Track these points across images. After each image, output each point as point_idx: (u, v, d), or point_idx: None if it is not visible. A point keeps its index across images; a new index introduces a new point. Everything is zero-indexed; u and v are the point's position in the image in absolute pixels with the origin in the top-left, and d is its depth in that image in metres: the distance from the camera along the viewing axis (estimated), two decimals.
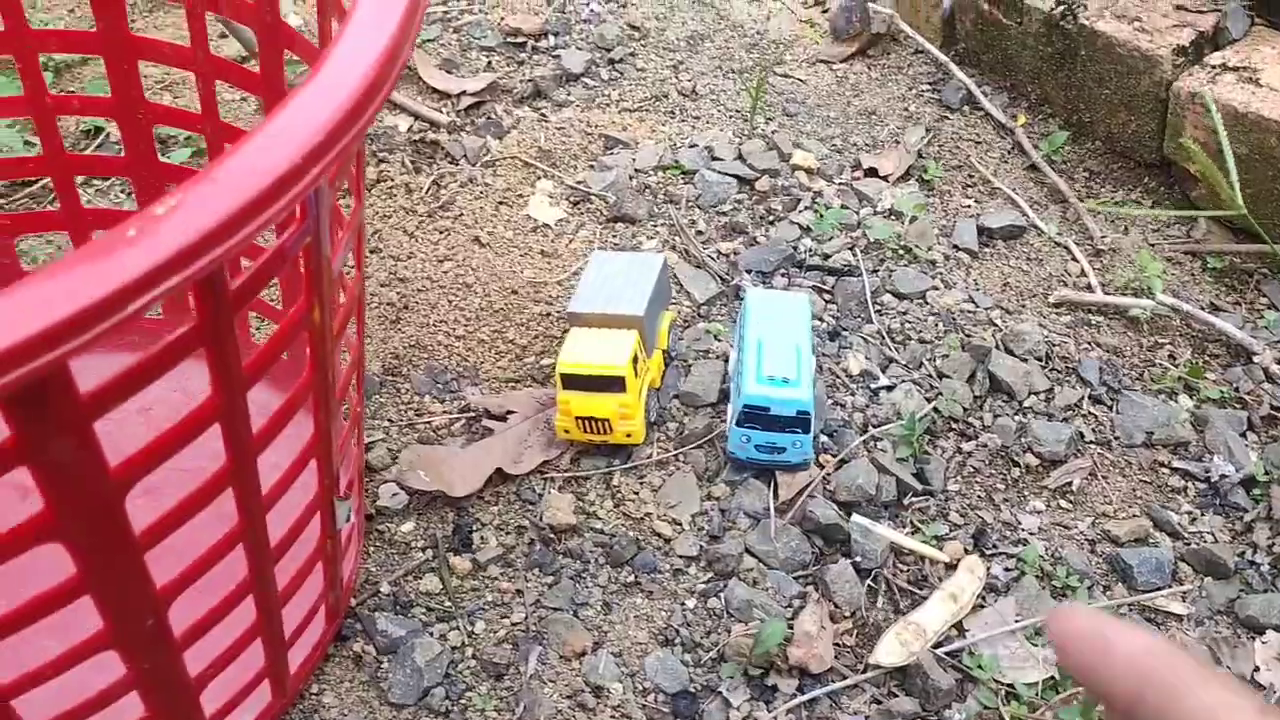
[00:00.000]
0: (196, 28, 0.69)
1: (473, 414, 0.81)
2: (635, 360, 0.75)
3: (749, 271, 0.91)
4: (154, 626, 0.47)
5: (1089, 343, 0.86)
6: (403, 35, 0.41)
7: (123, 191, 0.98)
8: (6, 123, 1.00)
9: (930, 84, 1.14)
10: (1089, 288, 0.90)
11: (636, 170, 1.02)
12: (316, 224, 0.45)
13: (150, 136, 0.76)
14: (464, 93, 1.13)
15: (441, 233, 0.95)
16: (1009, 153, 1.05)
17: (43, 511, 0.38)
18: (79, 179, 0.80)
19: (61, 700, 0.47)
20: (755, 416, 0.72)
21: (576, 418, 0.75)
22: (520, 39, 1.20)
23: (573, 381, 0.74)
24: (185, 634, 0.49)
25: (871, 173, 1.02)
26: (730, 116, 1.10)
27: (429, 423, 0.80)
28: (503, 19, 1.22)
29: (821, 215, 0.96)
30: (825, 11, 1.26)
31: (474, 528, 0.73)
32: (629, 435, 0.76)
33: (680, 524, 0.73)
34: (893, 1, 1.19)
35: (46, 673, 0.44)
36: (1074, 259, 0.94)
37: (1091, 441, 0.79)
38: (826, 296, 0.89)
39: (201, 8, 0.68)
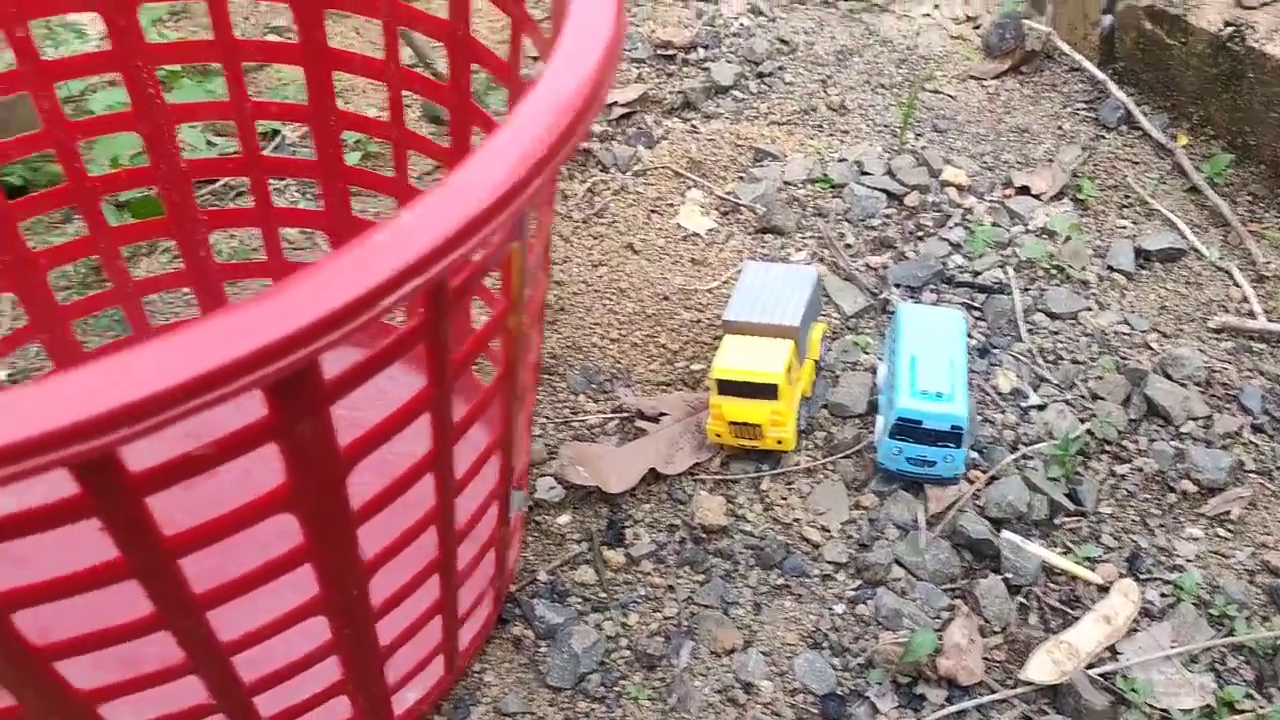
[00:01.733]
0: (390, 41, 0.74)
1: (625, 414, 0.83)
2: (789, 369, 0.77)
3: (898, 286, 0.92)
4: (358, 596, 0.51)
5: (1251, 370, 0.85)
6: (611, 57, 0.44)
7: (297, 191, 1.04)
8: (190, 124, 1.07)
9: (1086, 102, 1.13)
10: (1251, 314, 0.89)
11: (785, 182, 1.04)
12: (522, 232, 0.48)
13: (338, 142, 0.80)
14: (615, 103, 1.16)
15: (595, 238, 0.99)
16: (1168, 174, 1.04)
17: (284, 484, 0.42)
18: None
19: (272, 661, 0.51)
20: (908, 429, 0.73)
21: (729, 422, 0.77)
22: (670, 51, 1.23)
23: (728, 387, 0.76)
24: (381, 605, 0.53)
25: (1024, 191, 1.01)
26: (879, 131, 1.11)
27: (584, 420, 0.83)
28: (653, 32, 1.25)
29: (972, 232, 0.96)
30: (977, 28, 1.25)
31: (627, 523, 0.76)
32: (780, 442, 0.78)
33: (829, 531, 0.75)
34: (1050, 18, 1.18)
35: (265, 632, 0.49)
36: (1235, 284, 0.92)
37: (1252, 471, 0.78)
38: (976, 313, 0.90)
39: (396, 23, 0.73)
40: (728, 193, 1.03)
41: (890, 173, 1.04)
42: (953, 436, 0.73)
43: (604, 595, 0.72)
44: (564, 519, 0.77)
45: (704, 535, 0.75)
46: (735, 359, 0.77)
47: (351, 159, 1.07)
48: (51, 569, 0.40)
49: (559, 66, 0.43)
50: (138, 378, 0.32)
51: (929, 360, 0.75)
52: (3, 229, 0.78)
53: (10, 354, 0.84)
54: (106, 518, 0.38)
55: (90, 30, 1.20)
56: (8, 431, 0.30)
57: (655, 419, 0.82)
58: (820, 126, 1.12)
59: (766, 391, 0.76)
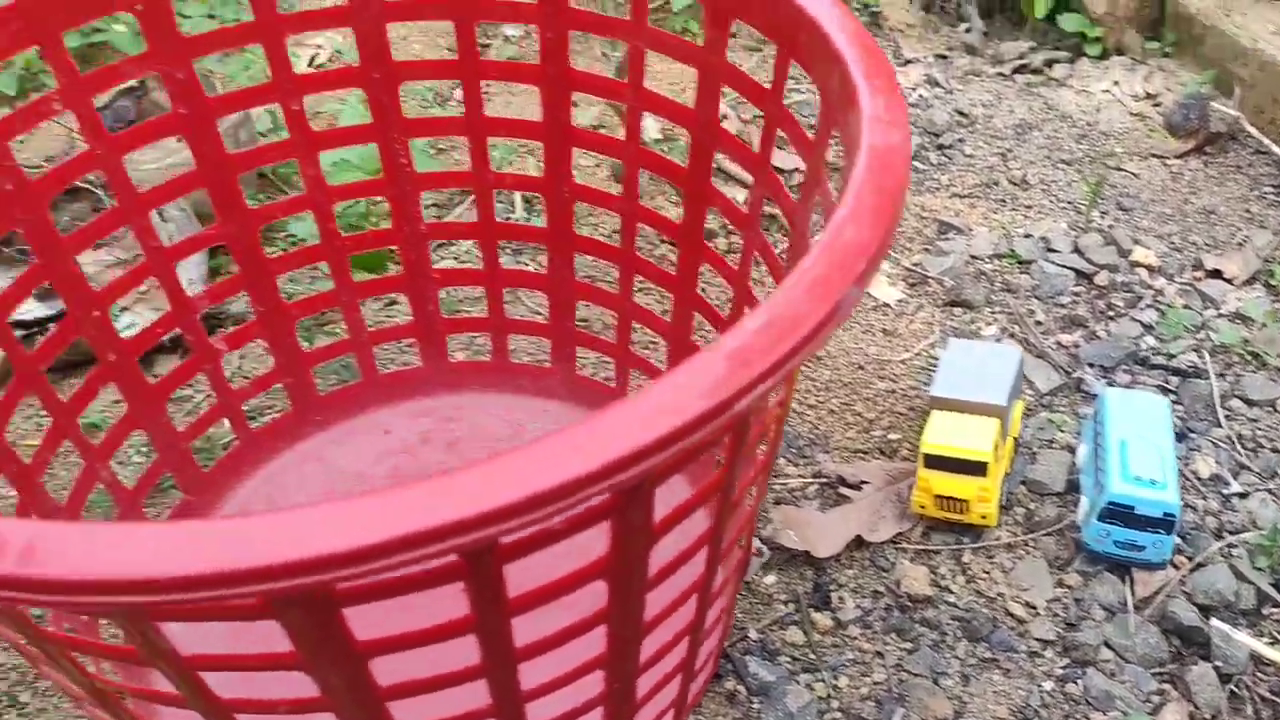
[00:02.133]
0: (632, 123, 0.79)
1: (826, 479, 0.87)
2: (996, 447, 0.79)
3: (1091, 366, 0.94)
4: (634, 655, 0.55)
5: None
6: (899, 208, 0.48)
7: (515, 251, 1.10)
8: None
9: (1274, 187, 1.13)
10: None
11: (972, 256, 1.06)
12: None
13: (570, 211, 0.86)
14: (797, 169, 1.21)
15: None
16: None
17: (604, 556, 0.46)
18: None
19: (549, 710, 0.56)
20: (1119, 514, 0.75)
21: (935, 495, 0.80)
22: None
23: (936, 461, 0.79)
24: (645, 662, 0.57)
25: (1215, 274, 1.02)
26: (1063, 207, 1.13)
27: (785, 484, 0.87)
28: None
29: (1164, 314, 0.98)
30: (1157, 105, 1.27)
31: (832, 587, 0.79)
32: (984, 517, 0.80)
33: (1034, 607, 0.77)
34: (1237, 101, 1.19)
35: (558, 683, 0.53)
36: None
37: None
38: (1172, 396, 0.91)
39: (640, 107, 0.78)
40: (914, 264, 1.06)
41: (1078, 250, 1.06)
42: (1164, 523, 0.74)
43: (813, 656, 0.76)
44: (770, 579, 0.81)
45: (910, 604, 0.78)
46: (944, 435, 0.80)
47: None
48: (370, 625, 0.45)
49: (850, 220, 0.46)
50: (528, 477, 0.37)
51: (1139, 446, 0.77)
52: (263, 282, 0.85)
53: (256, 395, 0.91)
54: (474, 582, 0.43)
55: (351, 98, 1.29)
56: (433, 516, 0.36)
57: (857, 486, 0.85)
58: (1003, 200, 1.15)
59: (975, 468, 0.78)
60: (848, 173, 0.50)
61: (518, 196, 1.16)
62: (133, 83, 1.27)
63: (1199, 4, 1.26)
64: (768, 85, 0.67)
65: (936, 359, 0.97)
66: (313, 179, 0.84)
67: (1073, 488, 0.84)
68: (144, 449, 0.91)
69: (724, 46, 0.70)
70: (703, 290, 0.83)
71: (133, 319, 0.99)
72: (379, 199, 0.92)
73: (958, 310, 1.01)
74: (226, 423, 0.89)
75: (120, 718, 0.54)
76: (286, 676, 0.45)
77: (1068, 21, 1.37)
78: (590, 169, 1.18)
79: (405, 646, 0.45)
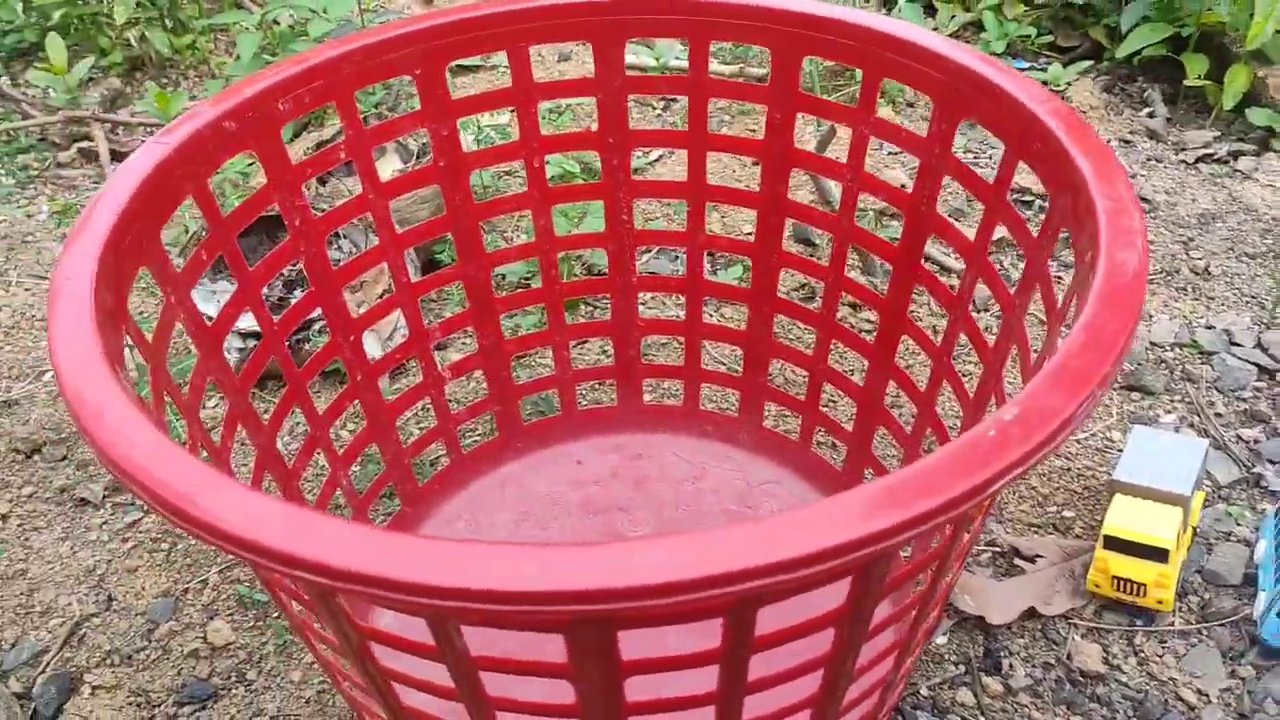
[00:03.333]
0: (848, 201, 0.85)
1: (999, 549, 0.90)
2: (1178, 535, 0.82)
3: (1272, 463, 0.95)
4: (841, 695, 0.60)
5: None
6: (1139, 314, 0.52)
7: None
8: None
9: None
10: None
11: (1152, 343, 1.09)
12: None
13: (776, 276, 0.92)
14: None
15: None
16: None
17: (841, 607, 0.52)
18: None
19: None
20: None
21: (1113, 576, 0.83)
22: (1028, 198, 1.31)
23: (1117, 544, 0.82)
24: (845, 705, 0.63)
25: None
26: (1246, 301, 1.14)
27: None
28: None
29: None
30: None
31: (1003, 654, 0.83)
32: (1160, 602, 0.83)
33: (1207, 695, 0.79)
34: None
35: (781, 715, 0.59)
36: None
37: None
38: None
39: (858, 188, 0.84)
40: None
41: (1261, 345, 1.07)
42: None
43: (983, 719, 0.79)
44: (942, 640, 0.84)
45: (1081, 679, 0.81)
46: (1128, 519, 0.83)
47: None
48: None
49: (1086, 342, 0.51)
50: (811, 539, 0.42)
51: None
52: (489, 319, 0.94)
53: (472, 419, 0.99)
54: (732, 620, 0.49)
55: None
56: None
57: (1031, 559, 0.89)
58: (1184, 289, 1.17)
59: (1156, 554, 0.81)
60: (1083, 289, 0.55)
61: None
62: None
63: None
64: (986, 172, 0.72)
65: (1112, 441, 0.99)
66: (543, 228, 0.92)
67: (1248, 581, 0.86)
68: (364, 460, 1.00)
69: (950, 140, 0.75)
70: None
71: (367, 349, 1.09)
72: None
73: (1136, 395, 1.04)
74: (440, 442, 0.97)
75: (386, 698, 0.61)
76: (544, 682, 0.51)
77: (1256, 115, 1.37)
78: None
79: (660, 670, 0.51)
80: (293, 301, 0.86)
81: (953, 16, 1.75)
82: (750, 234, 1.12)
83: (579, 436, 1.02)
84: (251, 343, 1.06)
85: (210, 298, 1.12)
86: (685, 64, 0.89)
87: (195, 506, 0.44)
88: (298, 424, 1.06)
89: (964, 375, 0.83)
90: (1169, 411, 1.02)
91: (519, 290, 1.18)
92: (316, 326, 1.08)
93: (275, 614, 0.91)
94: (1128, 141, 1.42)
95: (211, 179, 0.71)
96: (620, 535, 0.93)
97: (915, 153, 0.78)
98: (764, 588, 0.42)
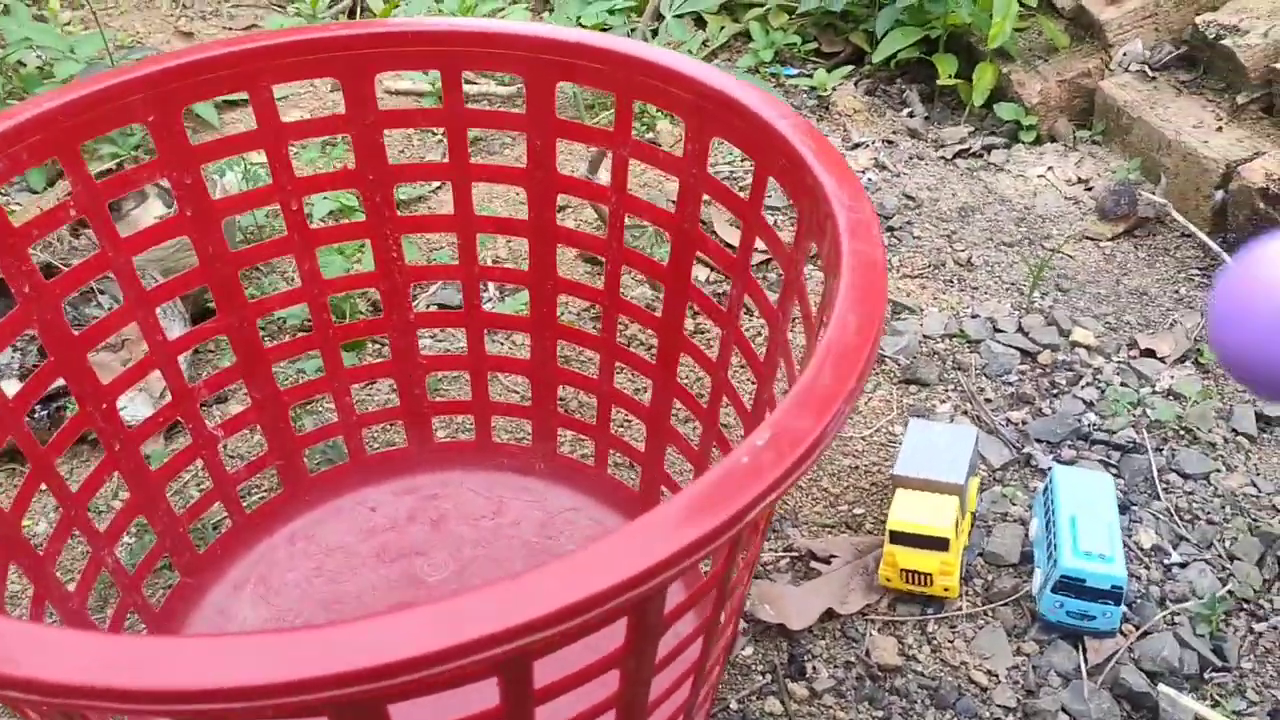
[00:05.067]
0: (615, 224, 0.85)
1: (797, 553, 0.92)
2: (956, 523, 0.85)
3: (1039, 442, 1.01)
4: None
5: None
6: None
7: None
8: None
9: (1200, 269, 1.22)
10: None
11: (925, 336, 1.13)
12: None
13: (554, 302, 0.91)
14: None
15: None
16: None
17: (621, 648, 0.51)
18: None
19: None
20: (1071, 586, 0.81)
21: (901, 569, 0.85)
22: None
23: (901, 538, 0.85)
24: None
25: (1149, 353, 1.10)
26: (1006, 288, 1.21)
27: (759, 559, 0.92)
28: None
29: (1103, 392, 1.05)
30: (1089, 189, 1.36)
31: (806, 658, 0.84)
32: (946, 590, 0.86)
33: (996, 675, 0.82)
34: (1163, 189, 1.28)
35: None
36: None
37: None
38: (1113, 470, 0.98)
39: (624, 210, 0.83)
40: None
41: (1022, 330, 1.13)
42: (1112, 595, 0.80)
43: None
44: (748, 651, 0.85)
45: (880, 673, 0.83)
46: (908, 512, 0.85)
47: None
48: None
49: (834, 349, 0.52)
50: (568, 589, 0.41)
51: (1088, 522, 0.83)
52: (260, 371, 0.89)
53: (249, 479, 0.94)
54: (507, 678, 0.47)
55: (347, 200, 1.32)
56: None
57: (826, 560, 0.91)
58: (950, 281, 1.22)
59: (937, 544, 0.84)
60: (831, 290, 0.56)
61: (491, 285, 1.21)
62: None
63: (1125, 96, 1.35)
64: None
65: (895, 435, 1.03)
66: (309, 272, 0.88)
67: (1025, 559, 0.90)
68: (135, 531, 0.93)
69: (705, 159, 0.76)
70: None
71: (133, 410, 1.02)
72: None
73: (913, 388, 1.08)
74: (218, 504, 0.92)
75: None
76: None
77: (1004, 110, 1.46)
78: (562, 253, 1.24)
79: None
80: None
81: (721, 28, 1.79)
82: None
83: (370, 482, 0.99)
84: None
85: None
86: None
87: None
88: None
89: (750, 385, 0.84)
90: (944, 401, 1.06)
91: (300, 335, 1.13)
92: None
93: None
94: (891, 141, 1.48)
95: None
96: (420, 581, 0.90)
97: (674, 173, 0.78)
98: (524, 648, 0.41)
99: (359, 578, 0.91)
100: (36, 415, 1.01)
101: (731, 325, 0.78)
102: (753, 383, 1.05)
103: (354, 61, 0.81)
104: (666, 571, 0.43)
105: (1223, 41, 1.27)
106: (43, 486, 0.75)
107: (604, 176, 0.94)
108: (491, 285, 1.22)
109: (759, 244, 0.74)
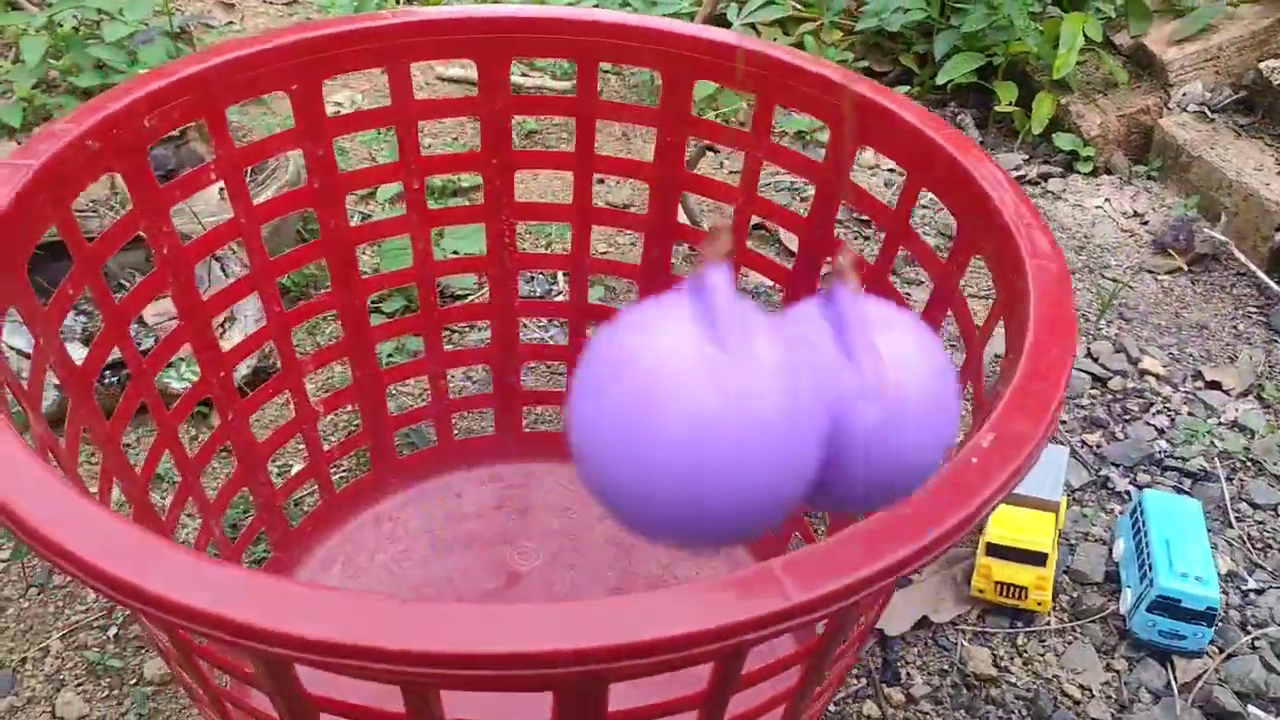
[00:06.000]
0: (740, 224, 0.85)
1: None
2: (1054, 539, 0.87)
3: (1115, 465, 1.03)
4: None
5: None
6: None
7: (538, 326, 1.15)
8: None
9: (1257, 307, 1.25)
10: None
11: (996, 354, 1.15)
12: None
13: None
14: None
15: None
16: None
17: (704, 691, 0.50)
18: None
19: None
20: (1166, 606, 0.83)
21: (996, 581, 0.87)
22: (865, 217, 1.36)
23: (999, 551, 0.86)
24: None
25: (1213, 385, 1.13)
26: None
27: None
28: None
29: (1173, 420, 1.07)
30: (1144, 223, 1.38)
31: (900, 664, 0.85)
32: (1039, 603, 0.87)
33: (1089, 689, 0.84)
34: (1224, 228, 1.30)
35: None
36: None
37: None
38: (1185, 495, 1.00)
39: (750, 211, 0.84)
40: None
41: (1091, 355, 1.15)
42: (1206, 616, 0.82)
43: None
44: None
45: (976, 683, 0.84)
46: (1007, 526, 0.87)
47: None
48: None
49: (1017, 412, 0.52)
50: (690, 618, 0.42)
51: (1181, 545, 0.85)
52: (365, 349, 0.89)
53: (344, 456, 0.94)
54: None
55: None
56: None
57: (919, 569, 0.92)
58: None
59: (1036, 558, 0.86)
60: (1013, 313, 0.57)
61: (560, 277, 1.21)
62: (174, 132, 1.29)
63: (1185, 134, 1.38)
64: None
65: None
66: (421, 252, 0.88)
67: (1110, 578, 0.92)
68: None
69: (848, 167, 0.77)
70: None
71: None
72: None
73: None
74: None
75: None
76: None
77: (1062, 140, 1.48)
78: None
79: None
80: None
81: (775, 39, 1.80)
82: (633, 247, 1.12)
83: (456, 468, 0.98)
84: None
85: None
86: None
87: (148, 583, 0.39)
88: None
89: None
90: None
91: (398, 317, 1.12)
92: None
93: (133, 680, 0.82)
94: None
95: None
96: (510, 568, 0.90)
97: (808, 176, 0.79)
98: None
99: (447, 562, 0.91)
100: (107, 381, 0.99)
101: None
102: None
103: (493, 44, 0.82)
104: (913, 563, 0.44)
105: None
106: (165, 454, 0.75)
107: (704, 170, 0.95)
108: (560, 278, 1.22)
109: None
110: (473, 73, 1.64)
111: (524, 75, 1.63)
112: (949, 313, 0.71)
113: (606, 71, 1.62)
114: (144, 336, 1.03)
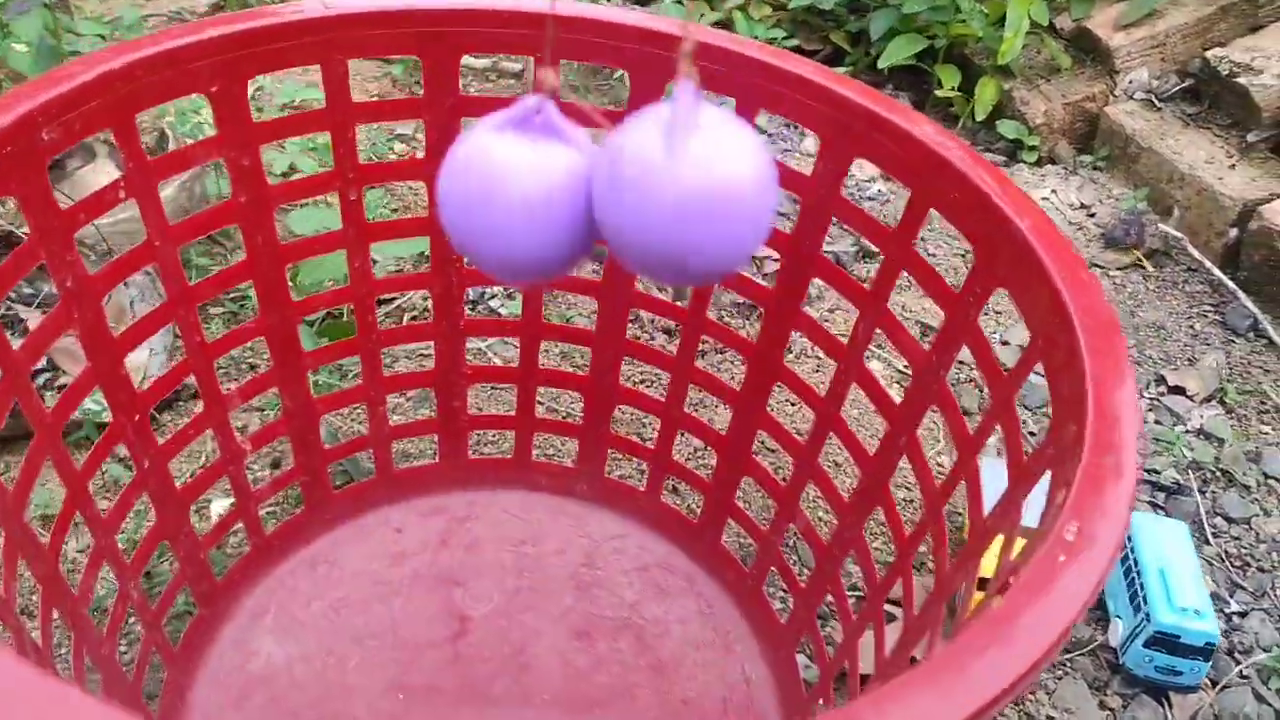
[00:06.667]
0: None
1: (860, 594, 0.88)
2: None
3: None
4: None
5: None
6: None
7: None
8: None
9: (1212, 305, 1.23)
10: None
11: (960, 361, 1.10)
12: None
13: (624, 316, 0.84)
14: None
15: None
16: None
17: None
18: None
19: None
20: (1164, 642, 0.79)
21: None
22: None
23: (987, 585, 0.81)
24: None
25: (1177, 390, 1.10)
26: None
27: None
28: None
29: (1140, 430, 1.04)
30: (1091, 215, 1.35)
31: None
32: None
33: None
34: (1177, 222, 1.28)
35: None
36: None
37: None
38: (1162, 512, 0.97)
39: None
40: (905, 368, 1.09)
41: None
42: (1204, 652, 0.79)
43: None
44: None
45: None
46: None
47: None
48: None
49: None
50: None
51: (1177, 575, 0.82)
52: (296, 378, 0.79)
53: (273, 495, 0.84)
54: None
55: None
56: None
57: (897, 602, 0.87)
58: None
59: None
60: (1058, 370, 0.51)
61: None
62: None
63: (1133, 124, 1.36)
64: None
65: (943, 466, 0.99)
66: (359, 270, 0.79)
67: (1096, 605, 0.88)
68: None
69: (839, 181, 0.70)
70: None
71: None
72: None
73: None
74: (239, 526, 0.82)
75: None
76: None
77: (1006, 127, 1.44)
78: None
79: None
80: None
81: (701, 15, 1.72)
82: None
83: (395, 500, 0.90)
84: None
85: None
86: None
87: None
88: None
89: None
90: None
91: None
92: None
93: None
94: None
95: None
96: (462, 614, 0.82)
97: (799, 192, 0.72)
98: None
99: (392, 608, 0.83)
100: None
101: (855, 359, 0.73)
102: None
103: (440, 39, 0.72)
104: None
105: (1236, 79, 1.28)
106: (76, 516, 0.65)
107: None
108: (500, 292, 1.14)
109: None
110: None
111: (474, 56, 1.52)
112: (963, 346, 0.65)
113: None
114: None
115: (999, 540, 0.61)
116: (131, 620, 0.78)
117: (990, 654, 0.37)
